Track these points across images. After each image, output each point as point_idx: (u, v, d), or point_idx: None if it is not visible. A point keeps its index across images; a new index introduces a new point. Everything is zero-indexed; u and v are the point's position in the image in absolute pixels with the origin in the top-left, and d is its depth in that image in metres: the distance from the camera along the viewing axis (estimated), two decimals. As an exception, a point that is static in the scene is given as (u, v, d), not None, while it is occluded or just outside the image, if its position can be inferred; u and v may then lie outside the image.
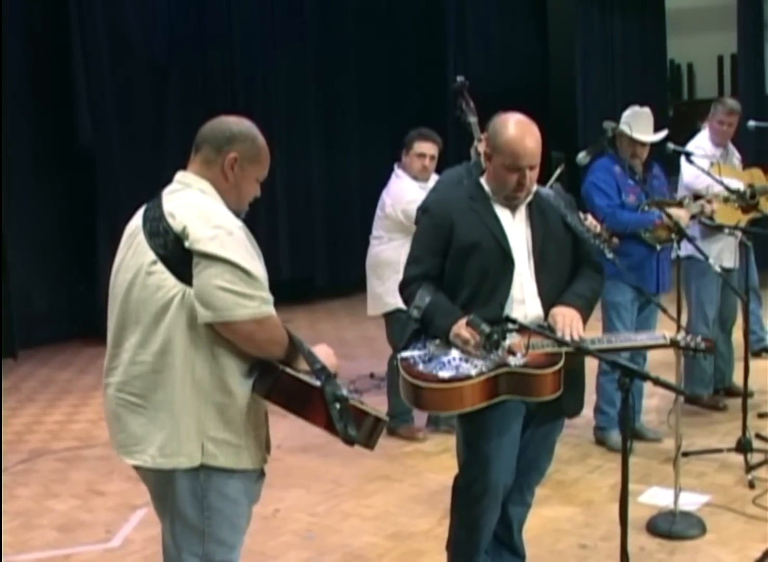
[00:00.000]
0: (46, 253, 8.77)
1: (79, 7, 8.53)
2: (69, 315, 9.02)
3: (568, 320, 3.36)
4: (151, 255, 2.76)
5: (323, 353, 2.85)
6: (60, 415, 6.74)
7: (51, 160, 8.71)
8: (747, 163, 6.52)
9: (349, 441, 2.76)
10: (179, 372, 2.74)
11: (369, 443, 2.81)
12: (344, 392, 2.76)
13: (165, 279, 2.74)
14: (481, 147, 4.71)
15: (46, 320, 8.81)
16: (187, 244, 2.69)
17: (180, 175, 2.92)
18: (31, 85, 8.51)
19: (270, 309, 2.73)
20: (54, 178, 8.77)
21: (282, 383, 2.77)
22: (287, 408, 2.79)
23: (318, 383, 2.76)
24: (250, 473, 2.92)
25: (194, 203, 2.79)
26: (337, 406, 2.73)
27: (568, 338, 3.30)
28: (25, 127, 8.51)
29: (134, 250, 2.84)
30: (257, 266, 2.74)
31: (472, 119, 4.80)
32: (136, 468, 2.92)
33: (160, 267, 2.75)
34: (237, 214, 2.87)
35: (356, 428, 2.75)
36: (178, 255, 2.71)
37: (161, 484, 2.87)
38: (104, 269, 9.03)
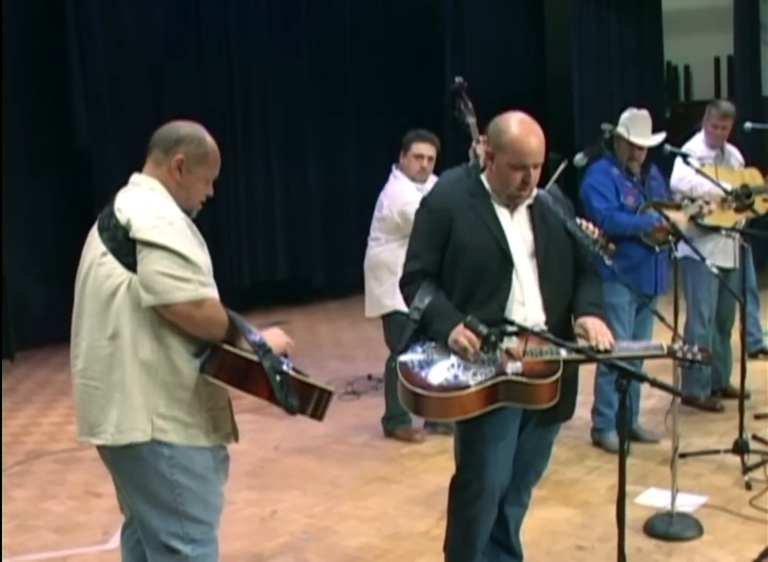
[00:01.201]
0: (43, 255, 8.75)
1: (75, 8, 8.52)
2: (66, 317, 8.92)
3: (597, 327, 3.41)
4: (102, 248, 2.98)
5: (271, 334, 3.03)
6: (57, 416, 6.74)
7: (47, 161, 8.69)
8: (746, 164, 6.53)
9: (291, 410, 2.94)
10: (128, 354, 2.94)
11: (316, 414, 3.01)
12: (284, 366, 2.93)
13: (114, 268, 2.95)
14: (480, 148, 4.71)
15: (43, 321, 8.78)
16: (131, 234, 2.90)
17: (133, 177, 3.14)
18: (28, 85, 8.48)
19: (207, 291, 2.92)
20: (50, 179, 8.75)
21: (225, 360, 2.94)
22: (232, 384, 2.96)
23: (257, 359, 2.92)
24: (215, 452, 3.07)
25: (140, 199, 3.01)
26: (278, 378, 2.91)
27: (602, 347, 3.34)
28: (22, 127, 8.48)
29: (89, 247, 3.07)
30: (197, 253, 2.94)
31: (471, 120, 4.79)
32: (101, 453, 3.09)
33: (109, 258, 2.96)
34: (188, 213, 3.07)
35: (300, 400, 2.93)
36: (124, 245, 2.93)
37: (130, 465, 3.02)
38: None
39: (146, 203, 2.97)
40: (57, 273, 8.87)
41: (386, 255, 5.80)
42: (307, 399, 2.96)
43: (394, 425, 5.94)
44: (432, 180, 5.59)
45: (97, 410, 2.99)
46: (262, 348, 2.92)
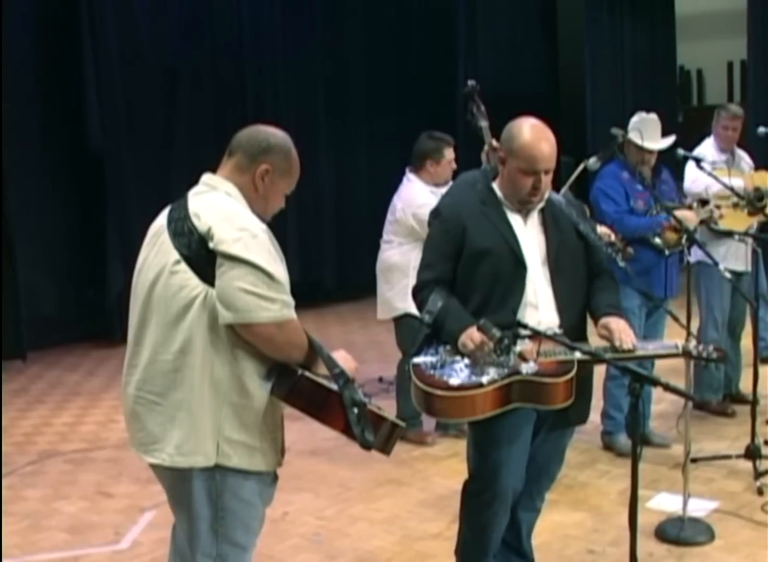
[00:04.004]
0: (56, 256, 8.79)
1: (90, 12, 8.54)
2: (78, 317, 9.04)
3: (621, 327, 3.40)
4: (175, 255, 2.79)
5: (342, 358, 2.87)
6: (69, 417, 6.76)
7: (61, 164, 8.72)
8: (757, 167, 6.51)
9: (366, 446, 2.79)
10: (198, 372, 2.77)
11: (385, 448, 2.86)
12: (362, 397, 2.79)
13: (188, 279, 2.77)
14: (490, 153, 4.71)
15: (55, 322, 8.83)
16: (211, 245, 2.72)
17: (207, 178, 2.95)
18: (42, 88, 8.52)
19: (291, 313, 2.77)
20: (64, 180, 8.79)
21: (301, 386, 2.79)
22: (305, 411, 2.82)
23: (336, 388, 2.78)
24: (265, 476, 2.94)
25: (220, 205, 2.83)
26: (355, 410, 2.76)
27: (625, 347, 3.34)
28: (36, 130, 8.52)
29: (158, 250, 2.86)
30: (280, 270, 2.77)
31: (483, 123, 4.79)
32: (153, 467, 2.95)
33: (183, 267, 2.77)
34: (261, 220, 2.90)
35: (373, 433, 2.78)
36: (202, 255, 2.74)
37: (178, 483, 2.89)
38: (113, 272, 9.06)
39: (227, 211, 2.80)
40: (69, 274, 8.93)
41: (398, 258, 5.79)
42: (377, 432, 2.81)
43: (405, 428, 5.92)
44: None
45: (154, 426, 2.83)
46: (341, 377, 2.78)
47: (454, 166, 5.78)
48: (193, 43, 9.51)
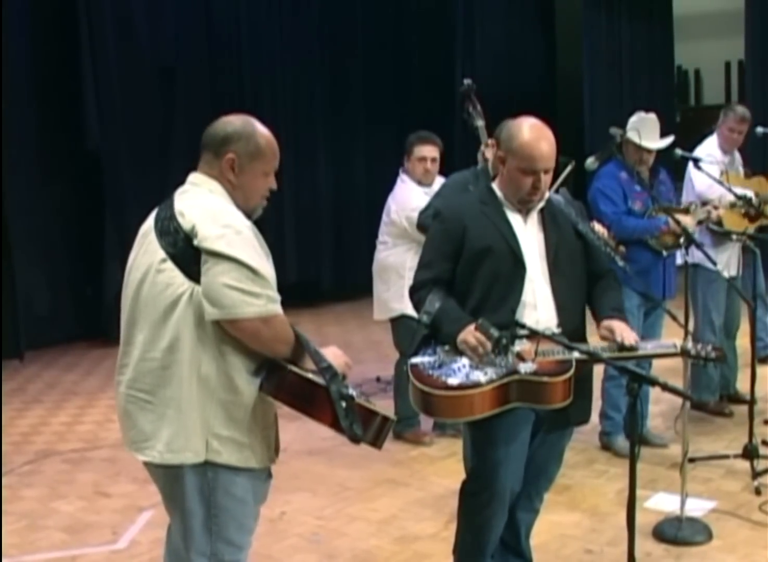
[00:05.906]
0: (53, 255, 8.78)
1: (87, 10, 8.55)
2: (75, 317, 9.04)
3: (623, 327, 3.43)
4: (161, 253, 2.81)
5: (332, 353, 2.89)
6: (66, 416, 6.76)
7: (58, 162, 8.71)
8: (753, 171, 6.50)
9: (355, 439, 2.80)
10: (186, 369, 2.79)
11: (376, 442, 2.86)
12: (350, 391, 2.79)
13: (174, 277, 2.79)
14: (488, 152, 4.72)
15: (53, 321, 8.82)
16: (195, 242, 2.74)
17: (191, 177, 2.97)
18: (39, 87, 8.52)
19: (276, 307, 2.78)
20: (61, 180, 8.78)
21: (288, 381, 2.81)
22: (294, 407, 2.83)
23: (323, 382, 2.79)
24: (258, 473, 2.95)
25: (203, 203, 2.84)
26: (343, 404, 2.77)
27: (627, 343, 3.36)
28: (33, 129, 8.52)
29: (145, 249, 2.89)
30: (265, 265, 2.79)
31: (480, 123, 4.79)
32: (146, 465, 2.96)
33: (169, 265, 2.79)
34: (248, 215, 2.91)
35: (363, 427, 2.79)
36: (187, 253, 2.76)
37: (170, 481, 2.90)
38: (111, 271, 9.05)
39: (211, 209, 2.81)
40: (67, 273, 8.93)
41: (394, 259, 5.79)
42: (368, 426, 2.81)
43: (402, 428, 5.93)
44: (438, 182, 5.59)
45: (145, 424, 2.85)
46: (328, 371, 2.78)
47: (428, 166, 5.74)
48: (190, 43, 9.51)
